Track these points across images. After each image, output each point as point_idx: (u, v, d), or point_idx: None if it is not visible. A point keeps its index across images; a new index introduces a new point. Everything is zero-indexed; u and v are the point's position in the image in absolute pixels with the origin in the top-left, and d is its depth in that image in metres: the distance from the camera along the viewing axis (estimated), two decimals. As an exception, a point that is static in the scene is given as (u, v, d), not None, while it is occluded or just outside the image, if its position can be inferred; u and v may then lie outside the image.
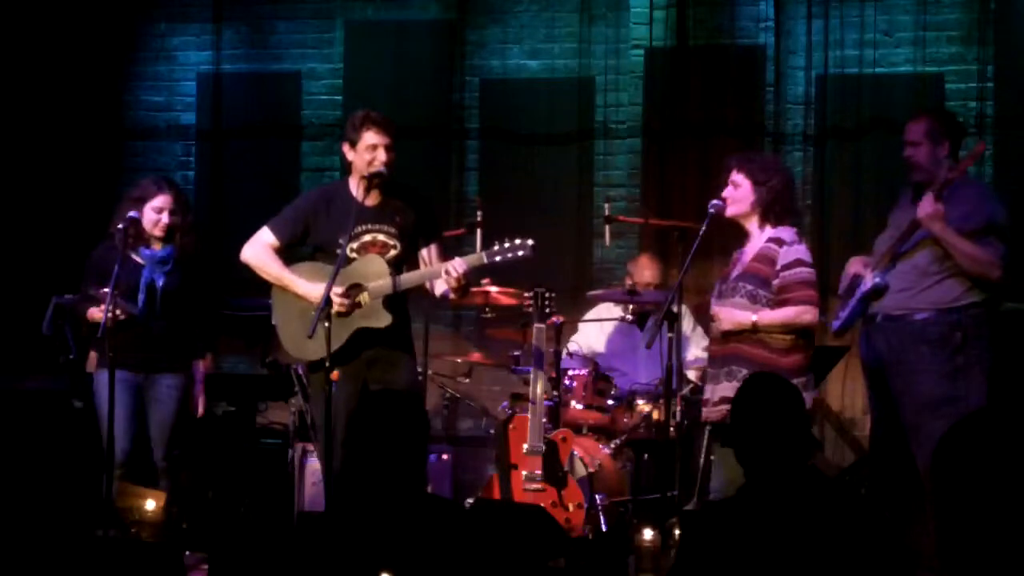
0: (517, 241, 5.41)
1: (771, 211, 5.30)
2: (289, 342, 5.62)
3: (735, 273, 5.33)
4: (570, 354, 6.94)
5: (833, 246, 7.36)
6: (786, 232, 5.30)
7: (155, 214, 6.05)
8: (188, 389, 6.10)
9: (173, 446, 6.07)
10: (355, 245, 5.50)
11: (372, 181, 5.49)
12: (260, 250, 5.64)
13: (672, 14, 7.86)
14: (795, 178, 5.57)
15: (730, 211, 5.35)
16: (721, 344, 5.29)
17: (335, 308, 5.36)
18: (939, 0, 7.55)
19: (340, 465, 5.47)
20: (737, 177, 5.33)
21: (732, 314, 5.22)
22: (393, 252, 5.52)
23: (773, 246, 5.26)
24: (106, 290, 5.70)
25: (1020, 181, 7.16)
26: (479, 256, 5.47)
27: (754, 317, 5.18)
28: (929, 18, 7.56)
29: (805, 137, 7.71)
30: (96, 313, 5.78)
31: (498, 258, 5.42)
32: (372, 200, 5.54)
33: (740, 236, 5.48)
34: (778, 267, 5.23)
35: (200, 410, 6.20)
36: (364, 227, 5.51)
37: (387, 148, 5.49)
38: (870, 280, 5.45)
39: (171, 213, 6.07)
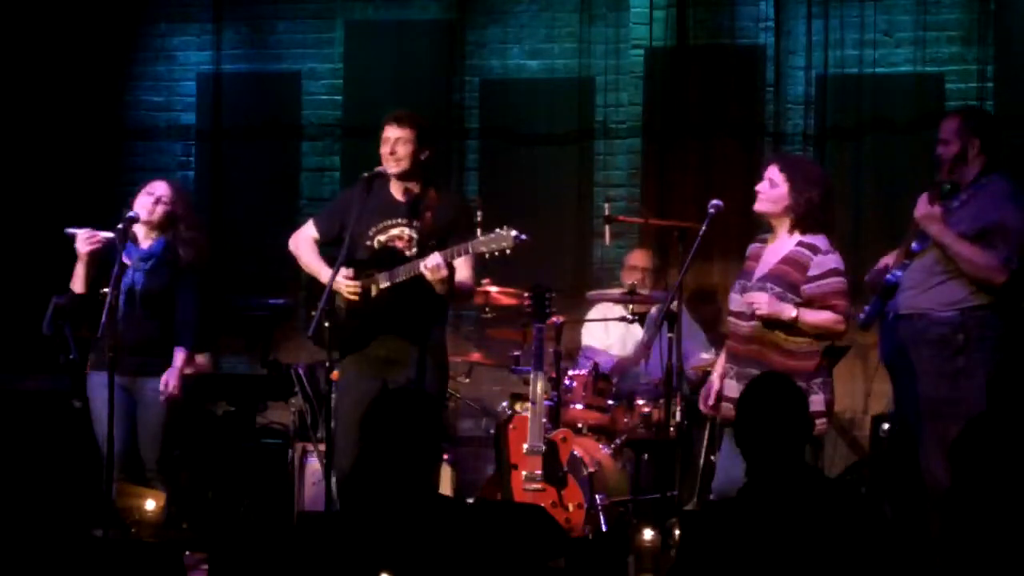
0: (501, 231, 5.32)
1: (803, 221, 5.16)
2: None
3: (759, 272, 5.19)
4: (586, 356, 6.94)
5: (833, 246, 7.35)
6: (820, 240, 5.16)
7: (147, 197, 5.99)
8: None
9: (166, 451, 5.98)
10: (382, 238, 5.54)
11: (376, 180, 5.52)
12: (300, 241, 5.76)
13: (672, 14, 7.85)
14: (834, 187, 5.36)
15: (760, 207, 5.21)
16: (744, 344, 5.16)
17: (347, 292, 5.41)
18: (939, 0, 7.55)
19: (352, 462, 5.48)
20: (778, 177, 5.17)
21: (774, 303, 5.05)
22: (415, 250, 5.52)
23: (806, 252, 5.12)
24: (105, 290, 5.69)
25: (1020, 181, 7.14)
26: (464, 246, 5.41)
27: (794, 312, 5.03)
28: (929, 18, 7.55)
29: (805, 137, 7.71)
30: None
31: (482, 249, 5.36)
32: (402, 195, 5.57)
33: (742, 235, 5.43)
34: (811, 274, 5.09)
35: (166, 393, 5.86)
36: (393, 220, 5.55)
37: (400, 141, 5.51)
38: (885, 277, 5.45)
39: (165, 203, 5.99)
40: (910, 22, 7.59)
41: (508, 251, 5.30)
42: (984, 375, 5.29)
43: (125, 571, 4.51)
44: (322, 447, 6.14)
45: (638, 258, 7.21)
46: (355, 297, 5.45)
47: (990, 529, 3.20)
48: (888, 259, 5.59)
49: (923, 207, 5.27)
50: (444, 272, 5.35)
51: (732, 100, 7.79)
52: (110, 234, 5.81)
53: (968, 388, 5.26)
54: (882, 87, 7.58)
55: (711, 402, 5.29)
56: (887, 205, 7.31)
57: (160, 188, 6.03)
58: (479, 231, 6.75)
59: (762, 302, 5.07)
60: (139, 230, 6.02)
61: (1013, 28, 7.47)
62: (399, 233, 5.55)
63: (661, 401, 6.12)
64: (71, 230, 5.89)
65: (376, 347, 5.51)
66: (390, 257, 5.52)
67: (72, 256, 5.96)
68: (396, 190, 5.59)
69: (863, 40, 7.58)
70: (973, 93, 7.45)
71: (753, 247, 5.34)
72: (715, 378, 5.33)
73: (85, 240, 5.84)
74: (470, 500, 6.36)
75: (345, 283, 5.43)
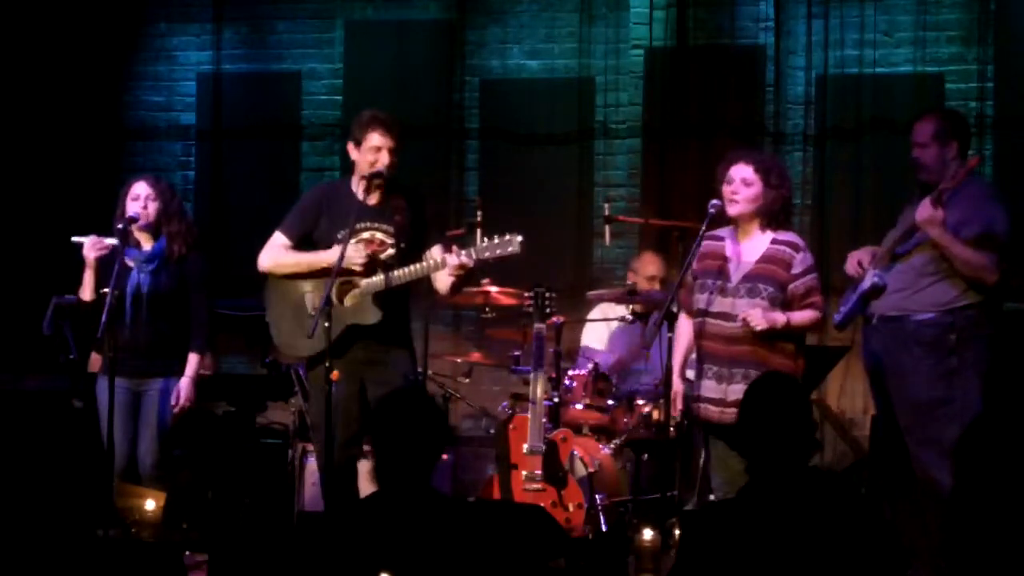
0: (506, 237, 5.37)
1: (776, 216, 5.23)
2: (281, 339, 5.63)
3: (739, 273, 5.23)
4: (584, 356, 6.93)
5: (833, 246, 7.36)
6: (795, 237, 5.26)
7: (135, 203, 5.98)
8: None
9: (164, 453, 5.99)
10: (353, 242, 5.49)
11: (372, 181, 5.50)
12: (275, 252, 5.62)
13: (672, 14, 7.86)
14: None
15: (736, 210, 5.23)
16: (732, 345, 5.19)
17: (359, 264, 5.38)
18: (939, 0, 7.55)
19: (340, 465, 5.48)
20: (751, 176, 5.21)
21: (768, 316, 5.11)
22: (391, 251, 5.51)
23: (787, 250, 5.19)
24: (106, 290, 5.69)
25: (1020, 181, 7.16)
26: (469, 251, 5.40)
27: (785, 318, 5.12)
28: (929, 18, 7.56)
29: (805, 137, 7.71)
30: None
31: (487, 254, 5.39)
32: (373, 199, 5.54)
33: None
34: (795, 272, 5.17)
35: (179, 404, 5.95)
36: (364, 224, 5.51)
37: (391, 151, 5.48)
38: (869, 279, 5.45)
39: (152, 199, 5.98)
40: (910, 22, 7.59)
41: (514, 255, 5.35)
42: (977, 374, 5.31)
43: (125, 571, 4.51)
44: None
45: (653, 267, 7.11)
46: (362, 266, 5.41)
47: (992, 529, 3.20)
48: (859, 254, 5.60)
49: (926, 211, 5.26)
50: (463, 271, 5.36)
51: (732, 100, 7.79)
52: (115, 241, 5.82)
53: (962, 387, 5.28)
54: (882, 87, 7.58)
55: (680, 406, 5.36)
56: (887, 205, 7.28)
57: (143, 189, 6.02)
58: (479, 231, 6.80)
59: (756, 318, 5.11)
60: (139, 233, 6.03)
61: (1013, 28, 7.47)
62: (370, 237, 5.52)
63: (661, 401, 6.12)
64: (77, 239, 5.89)
65: (355, 350, 5.50)
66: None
67: (73, 259, 5.97)
68: (364, 193, 5.53)
69: (863, 40, 7.58)
70: (973, 93, 7.45)
71: (712, 244, 5.34)
72: (677, 381, 5.39)
73: (92, 247, 5.85)
74: (470, 500, 6.36)
75: (358, 256, 5.40)
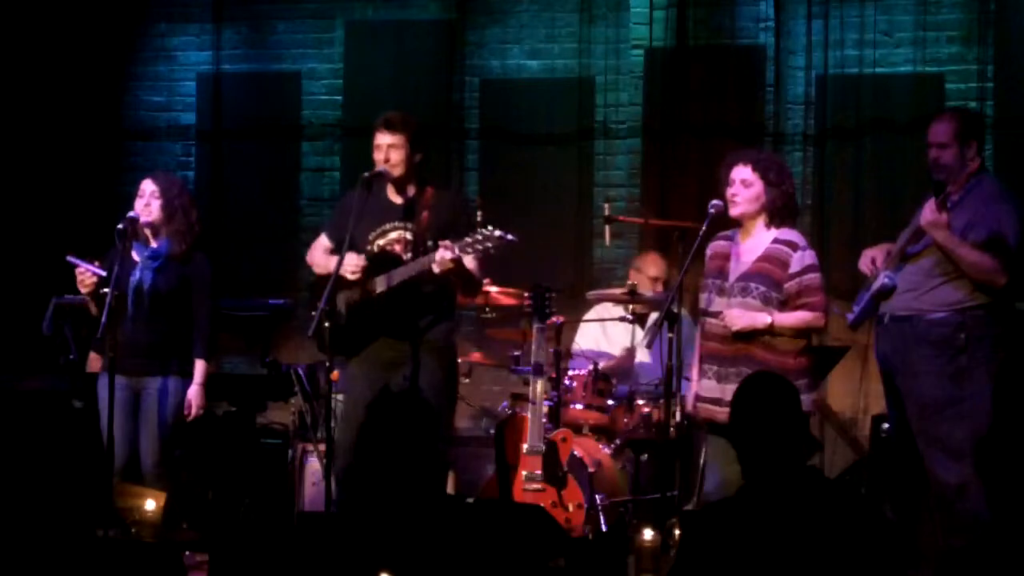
0: (488, 229, 5.34)
1: (779, 213, 5.24)
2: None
3: (737, 271, 5.25)
4: (573, 356, 6.93)
5: (833, 246, 7.36)
6: (796, 236, 5.26)
7: (139, 200, 5.99)
8: (181, 393, 6.00)
9: (165, 452, 5.99)
10: (381, 242, 5.55)
11: (374, 181, 5.52)
12: (315, 253, 5.78)
13: (672, 14, 7.86)
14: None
15: (738, 211, 5.25)
16: (728, 344, 5.20)
17: (351, 273, 5.43)
18: (939, 0, 7.55)
19: (354, 462, 5.47)
20: (751, 176, 5.23)
21: (747, 315, 5.13)
22: (412, 252, 5.52)
23: (785, 248, 5.19)
24: (106, 290, 5.69)
25: (1020, 181, 7.15)
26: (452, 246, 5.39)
27: (769, 319, 5.11)
28: (929, 18, 7.55)
29: (805, 137, 7.71)
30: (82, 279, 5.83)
31: (469, 249, 5.35)
32: (400, 198, 5.57)
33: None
34: (792, 271, 5.17)
35: (192, 412, 5.99)
36: (391, 224, 5.56)
37: (393, 147, 5.51)
38: (880, 280, 5.45)
39: (156, 197, 5.97)
40: (910, 22, 7.59)
41: (492, 251, 5.32)
42: (986, 374, 5.31)
43: (125, 571, 4.50)
44: (322, 447, 6.14)
45: (656, 268, 7.09)
46: (356, 276, 5.44)
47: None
48: (873, 252, 5.60)
49: (930, 214, 5.26)
50: (451, 264, 5.33)
51: (732, 100, 7.79)
52: (102, 272, 5.79)
53: (971, 387, 5.28)
54: (882, 87, 7.58)
55: (688, 407, 5.38)
56: (887, 205, 7.31)
57: (148, 187, 6.03)
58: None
59: (734, 318, 5.13)
60: (147, 230, 6.03)
61: (1013, 28, 7.47)
62: (397, 236, 5.56)
63: (661, 401, 6.12)
64: (72, 260, 5.88)
65: (381, 349, 5.51)
66: (388, 261, 5.52)
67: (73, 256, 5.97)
68: (393, 193, 5.59)
69: (863, 40, 7.58)
70: (973, 93, 7.45)
71: (718, 245, 5.37)
72: (694, 378, 5.40)
73: (80, 284, 5.84)
74: (470, 500, 6.36)
75: (351, 265, 5.43)
